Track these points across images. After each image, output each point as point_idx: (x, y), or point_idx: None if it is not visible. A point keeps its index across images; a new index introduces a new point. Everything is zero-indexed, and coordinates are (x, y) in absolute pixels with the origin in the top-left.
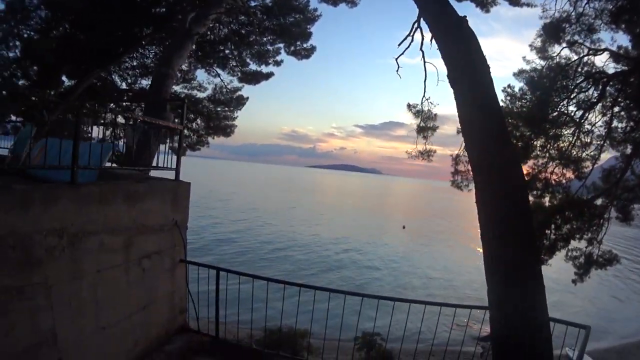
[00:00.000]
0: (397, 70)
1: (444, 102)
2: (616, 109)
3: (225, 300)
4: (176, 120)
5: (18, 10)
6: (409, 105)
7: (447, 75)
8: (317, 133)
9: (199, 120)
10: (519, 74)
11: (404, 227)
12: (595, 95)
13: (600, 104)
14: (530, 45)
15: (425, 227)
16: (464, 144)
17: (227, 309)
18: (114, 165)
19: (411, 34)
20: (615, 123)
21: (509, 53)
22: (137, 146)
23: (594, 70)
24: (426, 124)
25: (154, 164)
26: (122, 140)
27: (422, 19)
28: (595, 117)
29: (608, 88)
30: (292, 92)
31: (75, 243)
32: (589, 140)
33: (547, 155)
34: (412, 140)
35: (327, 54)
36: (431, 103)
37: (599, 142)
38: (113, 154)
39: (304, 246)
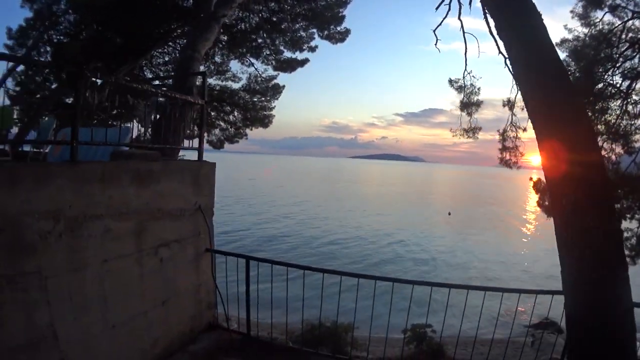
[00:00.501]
0: (435, 44)
1: (482, 85)
2: None
3: (257, 293)
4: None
5: (46, 16)
6: (450, 81)
7: (507, 51)
8: (357, 123)
9: (235, 112)
10: (561, 43)
11: (449, 214)
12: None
13: None
14: (571, 12)
15: (471, 214)
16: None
17: (259, 303)
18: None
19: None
20: None
21: None
22: (156, 125)
23: (639, 36)
24: (470, 99)
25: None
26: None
27: None
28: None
29: None
30: (330, 83)
31: (75, 228)
32: (638, 112)
33: (595, 130)
34: (453, 126)
35: (361, 42)
36: (473, 77)
37: None
38: (132, 136)
39: (351, 239)
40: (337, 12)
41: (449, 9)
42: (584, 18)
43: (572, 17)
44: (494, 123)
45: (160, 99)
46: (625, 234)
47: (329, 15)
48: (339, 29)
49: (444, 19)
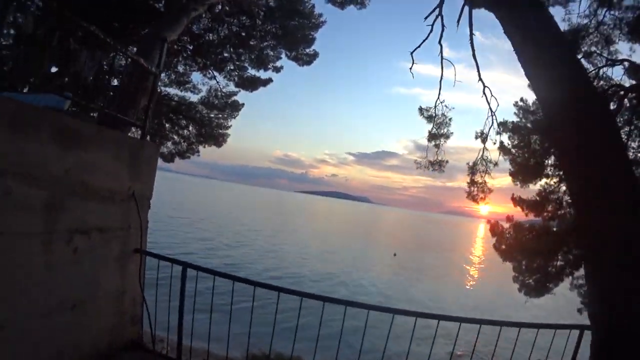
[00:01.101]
0: (410, 68)
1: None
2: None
3: (193, 311)
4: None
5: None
6: (420, 109)
7: (519, 55)
8: (309, 158)
9: (190, 127)
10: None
11: (394, 255)
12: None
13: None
14: None
15: (416, 256)
16: (483, 154)
17: (194, 322)
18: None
19: (434, 17)
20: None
21: (504, 85)
22: (97, 87)
23: (610, 84)
24: (439, 130)
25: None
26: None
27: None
28: None
29: (625, 101)
30: (285, 115)
31: None
32: None
33: (559, 173)
34: (404, 171)
35: (323, 75)
36: (446, 106)
37: None
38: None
39: (292, 276)
40: (308, 34)
41: (431, 30)
42: None
43: None
44: (446, 170)
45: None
46: (580, 282)
47: (299, 35)
48: (307, 51)
49: (424, 41)
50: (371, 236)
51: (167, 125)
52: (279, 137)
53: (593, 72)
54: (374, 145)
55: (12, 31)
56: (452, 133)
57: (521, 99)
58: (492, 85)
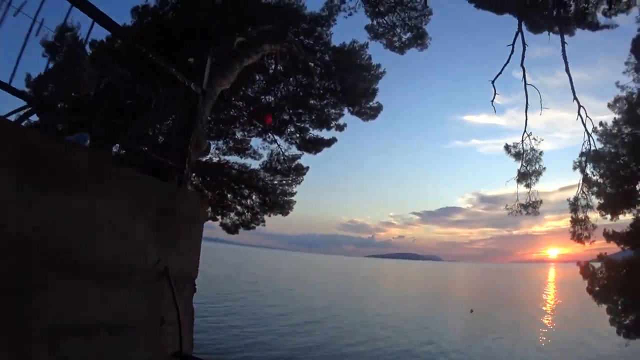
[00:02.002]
0: (492, 100)
1: (499, 178)
2: None
3: None
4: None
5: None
6: (507, 147)
7: None
8: (375, 222)
9: (253, 196)
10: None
11: (471, 311)
12: None
13: None
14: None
15: (493, 311)
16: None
17: None
18: None
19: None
20: None
21: (558, 123)
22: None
23: None
24: (528, 167)
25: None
26: None
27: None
28: None
29: None
30: (347, 180)
31: None
32: None
33: None
34: (470, 224)
35: (379, 138)
36: (534, 139)
37: None
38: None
39: (376, 341)
40: (368, 87)
41: (512, 51)
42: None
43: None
44: (511, 219)
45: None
46: None
47: (360, 89)
48: (370, 104)
49: (506, 64)
50: (448, 294)
51: (229, 195)
52: (343, 203)
53: None
54: (437, 202)
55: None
56: (544, 168)
57: (600, 123)
58: (547, 124)
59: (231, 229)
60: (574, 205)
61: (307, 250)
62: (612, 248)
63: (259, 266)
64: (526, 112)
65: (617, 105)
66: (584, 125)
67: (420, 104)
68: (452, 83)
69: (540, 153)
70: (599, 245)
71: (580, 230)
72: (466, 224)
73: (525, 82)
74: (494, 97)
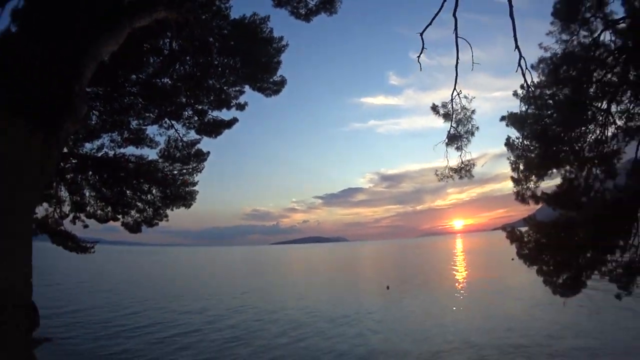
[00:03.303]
0: (419, 55)
1: (404, 159)
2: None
3: None
4: None
5: None
6: (434, 107)
7: None
8: (278, 209)
9: (154, 190)
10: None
11: (387, 288)
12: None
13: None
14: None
15: (408, 284)
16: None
17: None
18: None
19: None
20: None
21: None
22: None
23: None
24: (459, 129)
25: None
26: None
27: None
28: (618, 106)
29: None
30: (247, 170)
31: None
32: (612, 133)
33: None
34: (373, 203)
35: (277, 124)
36: (465, 97)
37: (622, 133)
38: None
39: (301, 327)
40: (271, 60)
41: (442, 5)
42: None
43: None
44: (413, 195)
45: None
46: (609, 266)
47: (263, 62)
48: (274, 79)
49: (437, 14)
50: (360, 273)
51: (128, 192)
52: (246, 192)
53: (592, 40)
54: (339, 184)
55: None
56: (477, 128)
57: (521, 86)
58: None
59: (133, 228)
60: (514, 164)
61: (214, 243)
62: (518, 214)
63: (161, 265)
64: (456, 67)
65: (541, 66)
66: (524, 76)
67: (314, 90)
68: (348, 66)
69: (473, 112)
70: (503, 214)
71: (523, 190)
72: (369, 204)
73: (456, 34)
74: (421, 52)
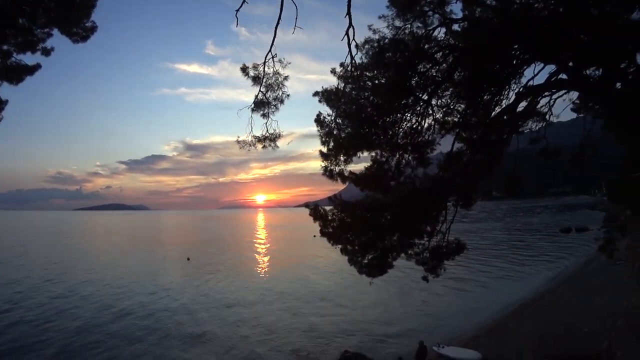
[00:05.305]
0: (237, 24)
1: (200, 131)
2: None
3: None
4: None
5: None
6: (244, 69)
7: None
8: (81, 173)
9: None
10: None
11: (188, 259)
12: (439, 75)
13: (445, 83)
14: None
15: (209, 257)
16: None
17: None
18: None
19: None
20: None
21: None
22: None
23: (442, 45)
24: (267, 95)
25: None
26: None
27: None
28: (439, 100)
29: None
30: (52, 127)
31: None
32: (429, 124)
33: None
34: (176, 172)
35: (87, 84)
36: (280, 61)
37: (438, 126)
38: None
39: (84, 299)
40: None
41: None
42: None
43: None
44: (217, 167)
45: None
46: (415, 250)
47: (79, 1)
48: (85, 24)
49: None
50: (160, 245)
51: None
52: (50, 151)
53: (424, 33)
54: (144, 150)
55: None
56: (288, 96)
57: (341, 64)
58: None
59: None
60: (324, 139)
61: (17, 207)
62: (321, 194)
63: None
64: (276, 28)
65: (366, 47)
66: (349, 45)
67: (126, 49)
68: (165, 27)
69: (285, 78)
70: (307, 192)
71: (331, 166)
72: (172, 172)
73: None
74: (237, 24)
